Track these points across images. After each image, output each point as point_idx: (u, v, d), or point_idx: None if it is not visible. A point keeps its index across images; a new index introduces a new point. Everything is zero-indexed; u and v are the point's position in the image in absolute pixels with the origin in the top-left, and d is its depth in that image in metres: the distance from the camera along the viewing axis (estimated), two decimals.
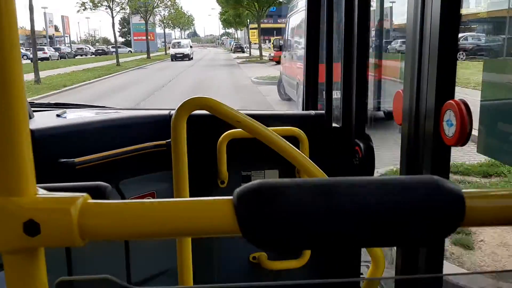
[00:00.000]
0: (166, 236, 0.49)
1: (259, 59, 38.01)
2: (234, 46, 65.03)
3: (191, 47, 48.52)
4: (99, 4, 39.52)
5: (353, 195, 0.47)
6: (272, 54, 29.41)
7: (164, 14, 61.44)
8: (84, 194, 0.48)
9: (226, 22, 58.31)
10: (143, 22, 55.67)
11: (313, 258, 2.21)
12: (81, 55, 60.49)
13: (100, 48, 62.45)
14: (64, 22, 78.13)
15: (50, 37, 67.45)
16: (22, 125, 0.46)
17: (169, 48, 62.71)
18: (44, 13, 66.61)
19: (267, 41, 60.26)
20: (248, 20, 46.10)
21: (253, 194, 0.47)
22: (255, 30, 52.18)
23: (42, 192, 0.48)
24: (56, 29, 78.91)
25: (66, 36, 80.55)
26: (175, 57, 44.39)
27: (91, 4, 39.46)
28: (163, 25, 64.57)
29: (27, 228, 0.45)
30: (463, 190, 0.48)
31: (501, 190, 0.50)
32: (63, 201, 0.46)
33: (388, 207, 0.46)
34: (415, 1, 1.46)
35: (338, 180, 0.48)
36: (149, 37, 61.36)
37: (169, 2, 56.98)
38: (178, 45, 48.72)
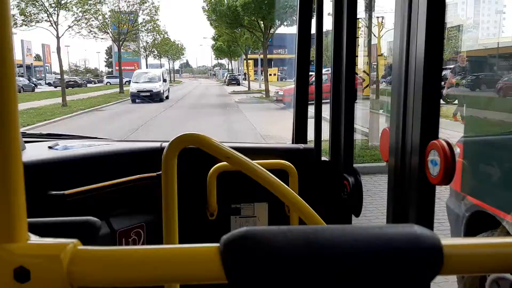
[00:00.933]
0: (155, 283, 0.49)
1: (263, 96, 29.36)
2: (228, 77, 57.89)
3: (165, 80, 30.61)
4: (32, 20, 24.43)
5: (335, 245, 0.48)
6: (280, 92, 21.93)
7: (146, 41, 53.35)
8: (75, 240, 0.48)
9: (219, 51, 53.29)
10: (128, 50, 51.27)
11: None
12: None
13: (72, 80, 54.11)
14: (44, 50, 70.54)
15: (28, 67, 61.90)
16: (15, 172, 0.46)
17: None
18: (22, 41, 60.33)
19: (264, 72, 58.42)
20: (245, 49, 40.74)
21: (239, 241, 0.47)
22: (250, 61, 49.65)
23: (33, 238, 0.48)
24: (39, 58, 73.66)
25: (47, 66, 73.81)
26: (137, 97, 27.52)
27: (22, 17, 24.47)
28: (145, 53, 56.14)
29: (17, 275, 0.45)
30: (442, 240, 0.49)
31: (479, 239, 0.51)
32: (53, 247, 0.47)
33: (368, 257, 0.47)
34: (400, 42, 1.52)
35: (321, 230, 0.49)
36: (133, 67, 56.54)
37: (151, 26, 49.01)
38: (144, 77, 30.03)
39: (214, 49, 55.13)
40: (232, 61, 67.84)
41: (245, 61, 51.18)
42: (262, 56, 37.16)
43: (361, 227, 0.51)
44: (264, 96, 28.81)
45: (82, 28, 31.30)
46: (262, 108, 22.30)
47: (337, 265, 0.47)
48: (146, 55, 56.98)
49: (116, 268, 0.47)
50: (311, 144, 2.32)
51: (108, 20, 35.03)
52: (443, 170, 1.33)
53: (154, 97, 27.66)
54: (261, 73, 38.71)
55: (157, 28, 50.64)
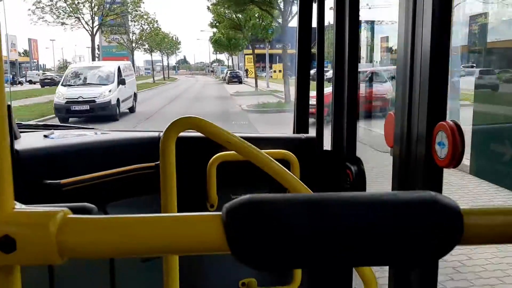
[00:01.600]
0: (152, 253, 0.46)
1: (281, 100, 21.75)
2: (228, 74, 48.31)
3: (121, 82, 18.09)
4: None
5: (346, 210, 0.45)
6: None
7: (133, 31, 46.10)
8: (65, 208, 0.45)
9: (218, 44, 46.61)
10: (110, 43, 45.45)
11: (304, 283, 2.17)
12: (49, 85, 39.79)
13: (48, 77, 43.94)
14: (31, 46, 65.30)
15: (13, 63, 56.30)
16: (0, 142, 0.43)
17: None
18: (6, 35, 54.86)
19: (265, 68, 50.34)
20: (250, 39, 34.91)
21: (243, 209, 0.45)
22: (251, 56, 43.58)
23: (19, 206, 0.45)
24: (26, 53, 68.30)
25: (34, 62, 68.18)
26: (67, 113, 16.19)
27: None
28: (132, 46, 46.95)
29: (1, 244, 0.42)
30: (461, 207, 0.46)
31: (500, 207, 0.49)
32: (41, 215, 0.43)
33: (382, 223, 0.44)
34: (405, 23, 1.48)
35: (330, 195, 0.46)
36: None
37: (133, 11, 41.67)
38: (84, 76, 18.52)
39: (213, 42, 49.18)
40: (232, 56, 61.17)
41: (246, 56, 47.26)
42: (263, 50, 34.66)
43: (372, 193, 0.47)
44: (284, 101, 21.24)
45: (46, 12, 27.17)
46: (287, 123, 14.37)
47: (347, 233, 0.44)
48: (132, 48, 47.42)
49: (110, 237, 0.44)
50: (312, 134, 2.29)
51: (80, 3, 29.31)
52: (451, 151, 1.29)
53: (99, 112, 16.20)
54: (260, 70, 34.69)
55: (144, 17, 44.06)
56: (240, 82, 44.87)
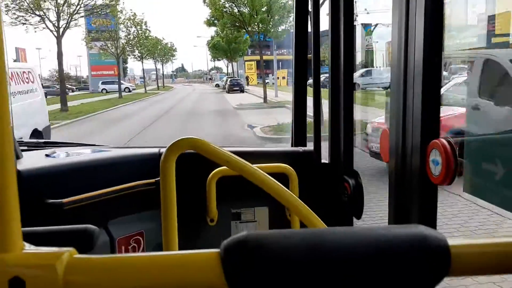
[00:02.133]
0: None
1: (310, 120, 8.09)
2: (229, 83, 43.22)
3: None
4: None
5: (341, 246, 0.46)
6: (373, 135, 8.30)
7: (120, 36, 40.86)
8: (71, 249, 0.47)
9: (216, 49, 43.79)
10: (102, 52, 40.90)
11: None
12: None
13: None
14: (19, 55, 58.25)
15: None
16: (8, 179, 0.44)
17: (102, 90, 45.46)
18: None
19: (268, 75, 44.57)
20: (259, 39, 30.59)
21: (240, 246, 0.46)
22: (252, 62, 43.93)
23: (28, 248, 0.46)
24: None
25: None
26: None
27: None
28: (116, 52, 40.27)
29: (12, 286, 0.43)
30: (449, 240, 0.48)
31: (487, 239, 0.50)
32: (49, 257, 0.45)
33: (375, 258, 0.46)
34: (398, 41, 1.51)
35: (325, 232, 0.48)
36: (112, 71, 48.46)
37: (119, 12, 35.93)
38: None
39: (210, 47, 46.48)
40: (232, 63, 56.29)
41: (246, 63, 43.05)
42: (264, 56, 30.00)
43: (365, 227, 0.49)
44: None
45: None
46: None
47: (342, 267, 0.46)
48: (117, 55, 40.23)
49: (114, 276, 0.46)
50: (310, 147, 2.31)
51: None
52: (444, 169, 1.32)
53: None
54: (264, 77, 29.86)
55: (132, 18, 38.47)
56: (242, 91, 40.62)
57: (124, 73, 66.15)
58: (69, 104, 26.31)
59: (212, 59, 62.35)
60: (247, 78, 47.70)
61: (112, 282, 0.46)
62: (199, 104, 30.44)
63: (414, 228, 0.48)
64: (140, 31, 41.73)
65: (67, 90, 41.31)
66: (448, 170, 1.31)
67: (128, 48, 42.61)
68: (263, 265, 0.45)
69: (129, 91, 45.70)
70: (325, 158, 2.25)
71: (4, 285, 0.44)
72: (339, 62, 2.03)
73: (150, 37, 48.07)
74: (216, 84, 60.42)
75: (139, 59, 48.58)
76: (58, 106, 24.25)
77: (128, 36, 40.90)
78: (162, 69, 72.18)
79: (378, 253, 0.46)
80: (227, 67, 62.80)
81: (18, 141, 2.22)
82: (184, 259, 0.48)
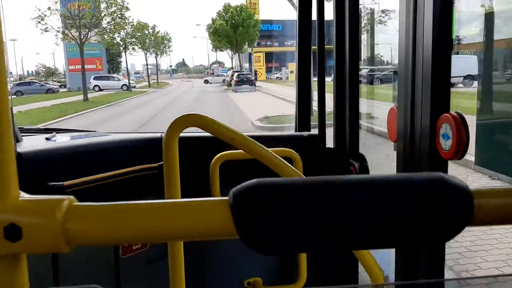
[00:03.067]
0: (158, 240, 0.46)
1: None
2: (235, 78, 33.05)
3: None
4: None
5: (353, 192, 0.44)
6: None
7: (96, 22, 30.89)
8: (71, 196, 0.44)
9: (219, 36, 36.71)
10: (79, 43, 28.82)
11: (309, 282, 2.16)
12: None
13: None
14: None
15: None
16: (4, 128, 0.43)
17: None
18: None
19: (273, 69, 41.12)
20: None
21: (250, 192, 0.44)
22: (260, 54, 37.11)
23: (25, 195, 0.45)
24: None
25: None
26: None
27: None
28: (80, 39, 29.83)
29: (8, 233, 0.41)
30: (471, 188, 0.45)
31: (510, 187, 0.48)
32: (47, 203, 0.43)
33: (392, 205, 0.44)
34: (406, 16, 1.47)
35: (337, 178, 0.45)
36: (94, 65, 42.33)
37: None
38: None
39: (212, 33, 38.85)
40: (239, 54, 46.45)
41: (255, 54, 32.75)
42: (269, 48, 26.45)
43: (379, 175, 0.46)
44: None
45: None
46: None
47: (357, 214, 0.43)
48: (80, 40, 30.00)
49: (117, 224, 0.44)
50: (315, 131, 2.28)
51: None
52: (456, 143, 1.28)
53: None
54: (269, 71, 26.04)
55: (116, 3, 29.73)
56: (252, 85, 31.48)
57: (118, 67, 61.15)
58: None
59: (214, 49, 52.98)
60: (255, 72, 38.68)
61: (114, 230, 0.44)
62: (196, 112, 23.07)
63: (434, 175, 0.45)
64: (120, 15, 32.26)
65: (53, 88, 38.20)
66: (459, 143, 1.28)
67: (97, 31, 32.83)
68: (274, 212, 0.43)
69: (127, 89, 37.87)
70: (330, 143, 2.22)
71: (0, 231, 0.41)
72: (344, 47, 2.01)
73: (139, 25, 40.97)
74: (205, 80, 52.99)
75: (123, 49, 40.05)
76: None
77: (110, 22, 32.29)
78: (156, 62, 61.34)
79: (396, 199, 0.44)
80: (232, 58, 49.01)
81: (19, 127, 2.20)
82: (190, 206, 0.45)
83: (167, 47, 53.91)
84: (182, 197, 1.47)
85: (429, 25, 1.36)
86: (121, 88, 38.92)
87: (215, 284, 2.24)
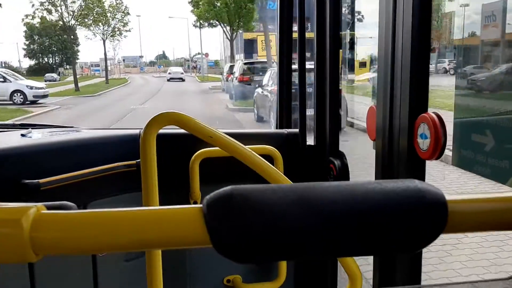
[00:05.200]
0: (130, 249, 0.44)
1: None
2: (242, 71, 19.78)
3: None
4: None
5: (330, 200, 0.44)
6: None
7: None
8: (38, 204, 0.43)
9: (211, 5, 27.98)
10: None
11: (288, 280, 2.17)
12: None
13: None
14: None
15: None
16: None
17: None
18: None
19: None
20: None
21: (224, 200, 0.43)
22: (271, 37, 22.95)
23: None
24: None
25: None
26: None
27: None
28: None
29: None
30: (446, 195, 0.46)
31: (484, 193, 0.49)
32: (13, 211, 0.42)
33: (366, 212, 0.44)
34: (386, 14, 1.48)
35: (314, 185, 0.45)
36: None
37: None
38: None
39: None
40: (237, 33, 32.46)
41: (258, 37, 24.92)
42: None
43: (357, 182, 0.47)
44: None
45: None
46: None
47: (332, 222, 0.43)
48: None
49: (86, 233, 0.42)
50: (295, 129, 2.28)
51: None
52: (433, 143, 1.30)
53: None
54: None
55: None
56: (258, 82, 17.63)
57: (72, 58, 44.46)
58: None
59: (199, 24, 36.66)
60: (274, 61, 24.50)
61: (85, 238, 0.42)
62: None
63: (409, 182, 0.46)
64: None
65: None
66: (436, 143, 1.29)
67: None
68: (249, 220, 0.42)
69: (24, 101, 22.70)
70: (310, 140, 2.23)
71: None
72: (324, 43, 2.00)
73: None
74: (170, 79, 40.40)
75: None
76: None
77: None
78: (104, 48, 40.48)
79: (371, 207, 0.44)
80: (231, 38, 32.18)
81: None
82: (164, 215, 0.44)
83: (121, 22, 39.72)
84: (160, 196, 1.46)
85: (408, 26, 1.37)
86: (11, 99, 22.66)
87: (194, 282, 2.23)
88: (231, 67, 23.90)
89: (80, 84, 32.48)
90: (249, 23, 29.16)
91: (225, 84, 24.72)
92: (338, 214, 0.43)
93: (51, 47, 54.38)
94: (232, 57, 31.93)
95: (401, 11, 1.40)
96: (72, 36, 38.35)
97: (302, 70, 2.26)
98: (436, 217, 0.44)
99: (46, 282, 1.76)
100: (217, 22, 32.34)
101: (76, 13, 31.04)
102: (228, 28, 31.25)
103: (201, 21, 34.86)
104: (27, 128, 2.16)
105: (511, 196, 0.48)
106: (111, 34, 40.01)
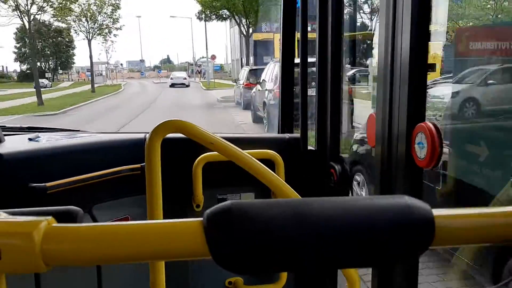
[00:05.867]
0: (135, 260, 0.47)
1: None
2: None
3: None
4: None
5: (324, 215, 0.46)
6: None
7: None
8: (49, 217, 0.46)
9: None
10: None
11: (289, 282, 2.20)
12: None
13: None
14: None
15: None
16: None
17: None
18: None
19: None
20: None
21: (224, 215, 0.46)
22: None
23: (4, 216, 0.46)
24: None
25: None
26: None
27: None
28: None
29: None
30: (433, 210, 0.48)
31: (470, 209, 0.51)
32: (25, 225, 0.44)
33: (357, 227, 0.46)
34: (386, 26, 1.51)
35: (310, 200, 0.48)
36: None
37: None
38: None
39: None
40: (253, 28, 28.04)
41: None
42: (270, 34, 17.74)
43: (350, 198, 0.50)
44: None
45: None
46: None
47: (326, 236, 0.46)
48: None
49: (93, 245, 0.45)
50: (297, 134, 2.31)
51: None
52: (430, 152, 1.34)
53: None
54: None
55: None
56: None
57: (67, 63, 41.60)
58: None
59: (202, 14, 30.72)
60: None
61: (92, 250, 0.45)
62: None
63: (399, 198, 0.49)
64: None
65: None
66: (433, 152, 1.33)
67: None
68: (248, 234, 0.45)
69: None
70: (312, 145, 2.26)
71: None
72: (326, 49, 2.04)
73: None
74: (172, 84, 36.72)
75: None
76: None
77: None
78: (90, 49, 34.78)
79: (363, 223, 0.46)
80: (247, 34, 26.97)
81: (0, 126, 2.19)
82: (166, 228, 0.47)
83: (110, 18, 34.79)
84: (163, 199, 1.49)
85: (407, 39, 1.41)
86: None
87: (196, 284, 2.26)
88: (253, 71, 17.63)
89: (61, 93, 27.85)
90: (270, 13, 23.51)
91: (241, 96, 18.27)
92: (331, 229, 0.46)
93: (44, 50, 48.96)
94: (247, 59, 26.79)
95: (400, 26, 1.44)
96: (67, 39, 34.82)
97: (304, 74, 2.28)
98: (424, 232, 0.47)
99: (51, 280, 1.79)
100: (227, 13, 25.59)
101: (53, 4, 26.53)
102: (242, 21, 24.46)
103: (206, 12, 28.48)
104: (34, 132, 2.20)
105: (494, 211, 0.50)
106: (98, 32, 35.16)
